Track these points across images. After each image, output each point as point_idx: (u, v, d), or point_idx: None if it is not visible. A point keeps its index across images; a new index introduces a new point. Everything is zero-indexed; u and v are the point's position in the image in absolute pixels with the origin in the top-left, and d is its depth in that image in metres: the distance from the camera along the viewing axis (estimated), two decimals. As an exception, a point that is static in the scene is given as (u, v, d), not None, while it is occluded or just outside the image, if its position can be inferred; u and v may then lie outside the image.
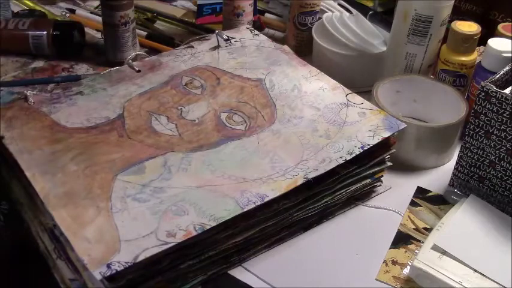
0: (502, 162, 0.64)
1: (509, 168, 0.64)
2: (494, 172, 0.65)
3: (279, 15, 1.05)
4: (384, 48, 0.85)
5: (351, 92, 0.71)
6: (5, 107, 0.64)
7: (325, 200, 0.62)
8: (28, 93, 0.66)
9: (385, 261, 0.61)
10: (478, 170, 0.67)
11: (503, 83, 0.65)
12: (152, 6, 1.04)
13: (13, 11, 0.97)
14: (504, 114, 0.62)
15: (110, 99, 0.68)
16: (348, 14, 0.90)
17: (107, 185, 0.56)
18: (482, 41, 0.76)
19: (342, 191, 0.64)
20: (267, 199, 0.56)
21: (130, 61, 0.74)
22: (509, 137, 0.62)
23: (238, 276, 0.58)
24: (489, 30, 0.82)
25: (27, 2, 1.02)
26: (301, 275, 0.59)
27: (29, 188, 0.57)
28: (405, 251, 0.62)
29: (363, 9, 0.93)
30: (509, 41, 0.73)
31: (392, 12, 0.88)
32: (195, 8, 1.04)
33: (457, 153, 0.69)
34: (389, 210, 0.67)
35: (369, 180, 0.66)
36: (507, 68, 0.66)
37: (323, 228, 0.64)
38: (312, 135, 0.64)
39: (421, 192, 0.70)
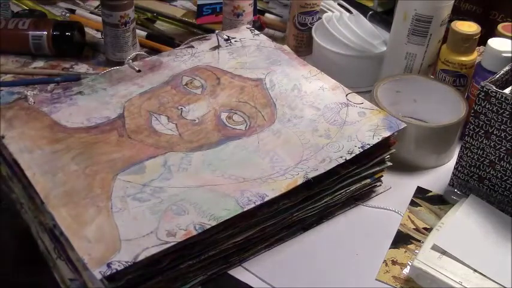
0: (502, 162, 0.64)
1: (509, 168, 0.64)
2: (494, 172, 0.65)
3: (279, 15, 1.05)
4: (384, 48, 0.85)
5: (350, 91, 0.71)
6: (5, 107, 0.64)
7: (325, 200, 0.62)
8: (28, 93, 0.66)
9: (385, 261, 0.61)
10: (478, 170, 0.67)
11: (503, 83, 0.65)
12: (152, 6, 1.04)
13: (13, 11, 0.97)
14: (504, 114, 0.62)
15: (110, 99, 0.68)
16: (348, 14, 0.90)
17: (107, 185, 0.56)
18: (482, 41, 0.76)
19: (342, 191, 0.64)
20: (267, 199, 0.56)
21: (130, 61, 0.74)
22: (509, 137, 0.62)
23: (238, 276, 0.58)
24: (489, 30, 0.82)
25: (27, 2, 1.02)
26: (301, 275, 0.59)
27: (29, 187, 0.57)
28: (405, 251, 0.62)
29: (363, 9, 0.93)
30: (509, 41, 0.73)
31: (392, 12, 0.88)
32: (195, 8, 1.04)
33: (457, 153, 0.69)
34: (389, 210, 0.67)
35: (368, 180, 0.66)
36: (507, 68, 0.66)
37: (323, 228, 0.64)
38: (312, 135, 0.64)
39: (421, 192, 0.70)
